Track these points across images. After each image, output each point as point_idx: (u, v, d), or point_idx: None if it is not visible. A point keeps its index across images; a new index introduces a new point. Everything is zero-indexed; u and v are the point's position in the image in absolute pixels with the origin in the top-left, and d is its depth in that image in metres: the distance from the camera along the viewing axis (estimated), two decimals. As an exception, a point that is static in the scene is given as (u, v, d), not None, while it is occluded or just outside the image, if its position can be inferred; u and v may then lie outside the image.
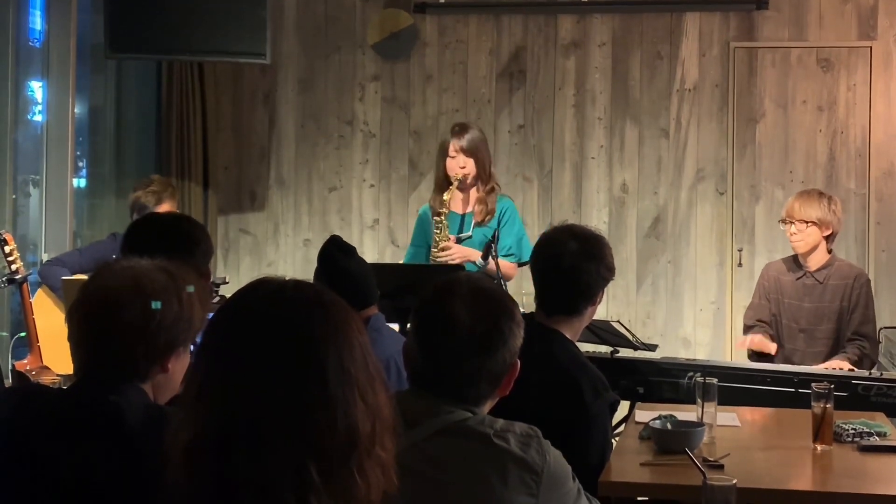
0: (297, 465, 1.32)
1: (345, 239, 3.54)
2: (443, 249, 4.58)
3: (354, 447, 1.35)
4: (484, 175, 4.72)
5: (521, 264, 4.74)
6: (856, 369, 4.24)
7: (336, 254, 3.42)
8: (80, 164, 6.27)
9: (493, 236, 4.40)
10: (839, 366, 4.28)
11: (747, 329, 4.68)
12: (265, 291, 1.45)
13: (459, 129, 4.74)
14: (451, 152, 4.69)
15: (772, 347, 4.43)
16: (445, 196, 4.65)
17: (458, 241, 4.67)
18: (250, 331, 1.39)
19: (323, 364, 1.36)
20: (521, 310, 2.27)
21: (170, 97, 6.27)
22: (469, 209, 4.75)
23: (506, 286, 4.69)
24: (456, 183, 4.65)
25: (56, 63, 5.75)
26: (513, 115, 6.31)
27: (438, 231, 4.63)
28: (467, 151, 4.67)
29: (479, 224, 4.68)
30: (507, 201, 4.81)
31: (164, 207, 5.03)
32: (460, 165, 4.67)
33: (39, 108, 5.86)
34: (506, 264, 4.62)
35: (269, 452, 1.32)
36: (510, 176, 6.25)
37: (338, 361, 1.37)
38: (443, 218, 4.63)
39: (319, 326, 1.40)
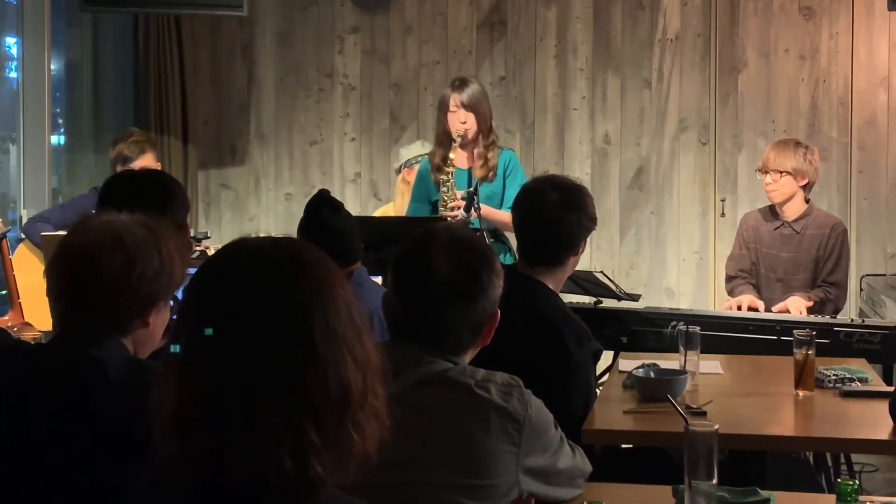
0: (293, 428, 1.30)
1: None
2: (452, 209, 4.53)
3: (348, 403, 1.34)
4: (485, 129, 4.65)
5: None
6: (809, 312, 4.26)
7: (324, 210, 3.38)
8: (59, 120, 6.21)
9: (475, 188, 4.38)
10: (797, 304, 4.29)
11: (730, 279, 4.68)
12: (243, 254, 1.41)
13: (460, 84, 4.65)
14: (452, 107, 4.60)
15: (760, 305, 4.42)
16: (451, 155, 4.59)
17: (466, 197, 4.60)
18: (231, 297, 1.36)
19: (309, 326, 1.34)
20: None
21: (147, 51, 6.20)
22: (473, 164, 4.70)
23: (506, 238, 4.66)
24: (458, 140, 4.59)
25: (31, 18, 5.67)
26: (494, 67, 6.27)
27: (446, 189, 4.57)
28: (468, 106, 4.58)
29: (484, 180, 4.62)
30: (510, 153, 4.77)
31: (147, 158, 5.06)
32: (461, 121, 4.59)
33: (15, 64, 5.79)
34: (509, 215, 4.59)
35: (264, 417, 1.30)
36: (492, 128, 6.21)
37: (324, 321, 1.35)
38: (450, 177, 4.58)
39: (302, 288, 1.37)
